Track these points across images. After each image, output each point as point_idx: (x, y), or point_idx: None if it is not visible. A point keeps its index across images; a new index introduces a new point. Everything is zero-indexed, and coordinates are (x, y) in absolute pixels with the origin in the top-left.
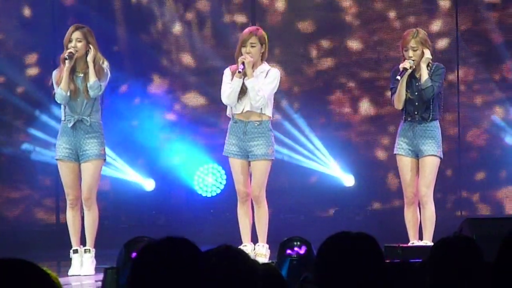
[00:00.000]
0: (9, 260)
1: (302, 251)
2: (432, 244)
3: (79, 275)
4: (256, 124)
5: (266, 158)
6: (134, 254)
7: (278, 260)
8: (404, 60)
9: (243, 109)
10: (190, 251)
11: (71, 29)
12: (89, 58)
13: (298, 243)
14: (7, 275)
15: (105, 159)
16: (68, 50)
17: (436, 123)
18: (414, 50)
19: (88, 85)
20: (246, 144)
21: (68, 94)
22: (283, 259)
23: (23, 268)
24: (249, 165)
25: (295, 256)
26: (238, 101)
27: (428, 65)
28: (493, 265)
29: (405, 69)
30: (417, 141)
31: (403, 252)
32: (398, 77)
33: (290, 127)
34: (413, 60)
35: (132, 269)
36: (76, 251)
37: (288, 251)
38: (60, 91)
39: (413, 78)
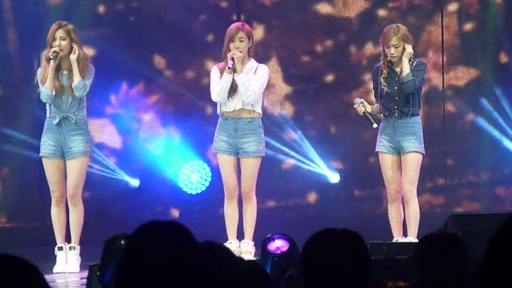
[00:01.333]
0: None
1: (284, 248)
2: (417, 240)
3: (64, 272)
4: (247, 121)
5: (257, 155)
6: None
7: (261, 258)
8: (384, 55)
9: (234, 107)
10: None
11: (54, 26)
12: (73, 58)
13: (280, 240)
14: None
15: (90, 156)
16: (53, 49)
17: (417, 119)
18: (396, 47)
19: (73, 86)
20: (237, 141)
21: (54, 93)
22: (266, 257)
23: (13, 263)
24: (238, 161)
25: (277, 253)
26: (229, 99)
27: (409, 60)
28: (483, 261)
29: (364, 113)
30: (398, 137)
31: (389, 249)
32: (375, 125)
33: (275, 123)
34: (361, 102)
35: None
36: (61, 248)
37: (271, 249)
38: (46, 90)
39: (393, 72)
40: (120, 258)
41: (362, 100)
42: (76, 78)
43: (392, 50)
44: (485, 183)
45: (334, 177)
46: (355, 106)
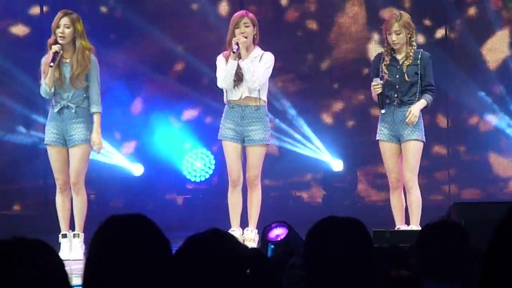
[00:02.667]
0: (23, 240)
1: (282, 236)
2: (419, 228)
3: (68, 260)
4: (253, 109)
5: (263, 143)
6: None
7: (261, 246)
8: (387, 42)
9: (241, 95)
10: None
11: (59, 14)
12: (81, 83)
13: (279, 228)
14: (22, 253)
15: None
16: (53, 50)
17: None
18: (398, 34)
19: (97, 109)
20: (244, 129)
21: (52, 90)
22: (264, 244)
23: (37, 246)
24: (243, 149)
25: (276, 241)
26: (235, 87)
27: (411, 50)
28: (487, 250)
29: (378, 95)
30: (397, 126)
31: (392, 237)
32: (383, 111)
33: (278, 111)
34: (380, 84)
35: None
36: (65, 236)
37: (271, 237)
38: (45, 87)
39: (394, 60)
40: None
41: (382, 81)
42: (94, 96)
43: (394, 36)
44: None
45: (337, 165)
46: (373, 84)
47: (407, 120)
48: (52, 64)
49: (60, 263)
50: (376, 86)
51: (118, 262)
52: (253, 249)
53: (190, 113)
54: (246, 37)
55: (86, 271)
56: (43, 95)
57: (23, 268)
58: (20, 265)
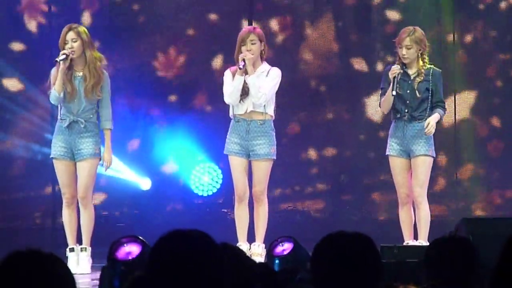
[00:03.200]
0: (34, 252)
1: (288, 251)
2: (427, 243)
3: (76, 274)
4: (259, 123)
5: (269, 157)
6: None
7: (267, 260)
8: (399, 58)
9: (246, 110)
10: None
11: (64, 30)
12: (97, 96)
13: (285, 243)
14: (34, 267)
15: (100, 158)
16: (62, 52)
17: (427, 122)
18: (408, 49)
19: (109, 125)
20: (249, 143)
21: (62, 95)
22: (270, 259)
23: (51, 260)
24: (249, 164)
25: (281, 255)
26: (240, 101)
27: (423, 66)
28: (495, 266)
29: (394, 78)
30: (407, 141)
31: (400, 252)
32: (394, 92)
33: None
34: (400, 64)
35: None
36: (72, 250)
37: (277, 251)
38: (54, 92)
39: (406, 75)
40: (145, 269)
41: (401, 70)
42: (106, 121)
43: (404, 50)
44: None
45: (342, 180)
46: (394, 67)
47: (426, 131)
48: (56, 59)
49: (71, 278)
50: (396, 70)
51: (179, 277)
52: (261, 263)
53: (198, 127)
54: (252, 54)
55: (148, 282)
56: (52, 101)
57: (37, 280)
58: (34, 277)
